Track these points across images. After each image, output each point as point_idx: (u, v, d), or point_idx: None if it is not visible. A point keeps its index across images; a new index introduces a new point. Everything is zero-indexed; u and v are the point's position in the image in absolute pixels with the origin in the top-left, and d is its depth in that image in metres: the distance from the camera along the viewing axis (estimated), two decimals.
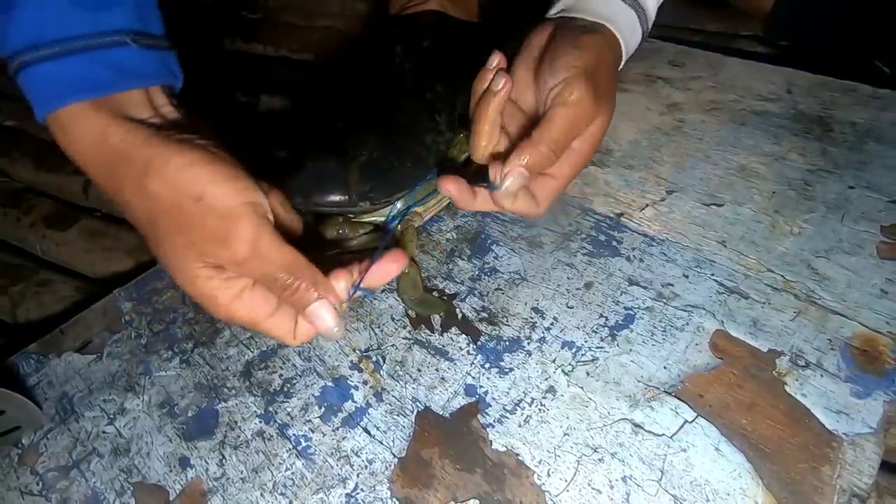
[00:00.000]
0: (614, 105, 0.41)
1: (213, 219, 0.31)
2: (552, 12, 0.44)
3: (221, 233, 0.31)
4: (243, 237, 0.31)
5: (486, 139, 0.40)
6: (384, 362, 0.42)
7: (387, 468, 0.37)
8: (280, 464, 0.38)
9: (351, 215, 0.46)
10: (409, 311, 0.45)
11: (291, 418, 0.40)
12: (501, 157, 0.38)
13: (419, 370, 0.42)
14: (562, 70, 0.38)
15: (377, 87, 0.50)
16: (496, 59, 0.40)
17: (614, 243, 0.47)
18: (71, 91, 0.31)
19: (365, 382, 0.42)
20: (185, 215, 0.31)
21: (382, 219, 0.47)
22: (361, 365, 0.43)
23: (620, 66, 0.43)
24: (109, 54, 0.32)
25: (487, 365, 0.41)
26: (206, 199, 0.31)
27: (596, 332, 0.42)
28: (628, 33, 0.42)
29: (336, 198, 0.42)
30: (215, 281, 0.32)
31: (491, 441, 0.37)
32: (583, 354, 0.41)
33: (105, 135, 0.31)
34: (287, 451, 0.39)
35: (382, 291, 0.47)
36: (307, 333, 0.35)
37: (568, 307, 0.44)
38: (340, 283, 0.34)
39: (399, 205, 0.46)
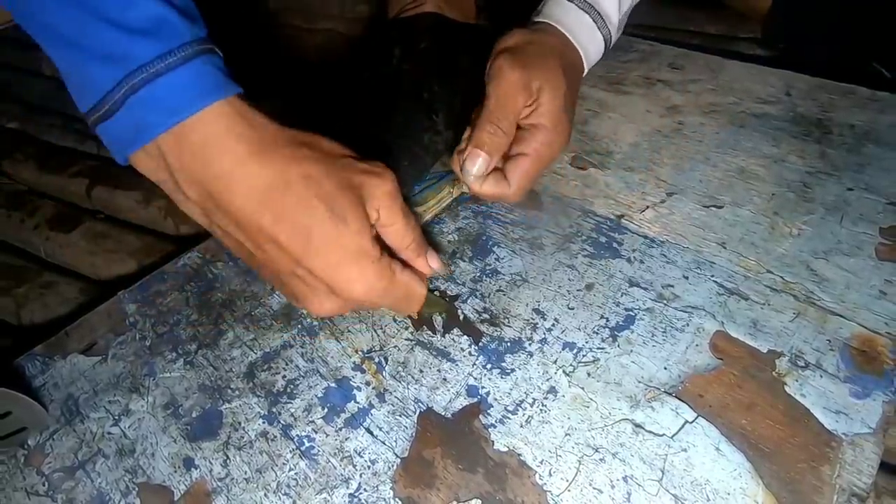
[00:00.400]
0: (561, 76, 0.43)
1: (362, 164, 0.36)
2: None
3: (373, 172, 0.36)
4: (388, 171, 0.37)
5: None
6: (386, 363, 0.43)
7: (389, 468, 0.37)
8: (283, 464, 0.39)
9: None
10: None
11: (295, 419, 0.41)
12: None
13: (421, 371, 0.42)
14: (491, 57, 0.44)
15: (375, 88, 0.51)
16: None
17: (615, 245, 0.48)
18: (210, 91, 0.32)
19: (367, 383, 0.42)
20: (344, 172, 0.35)
21: None
22: (364, 366, 0.43)
23: (580, 45, 0.47)
24: (213, 58, 0.33)
25: (489, 366, 0.41)
26: (349, 154, 0.37)
27: (597, 333, 0.42)
28: (571, 24, 0.46)
29: None
30: (372, 233, 0.36)
31: (493, 441, 0.37)
32: (584, 355, 0.41)
33: (267, 125, 0.34)
34: (290, 452, 0.39)
35: None
36: (425, 280, 0.41)
37: (569, 308, 0.44)
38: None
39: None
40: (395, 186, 0.37)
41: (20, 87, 0.90)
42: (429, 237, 0.51)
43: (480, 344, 0.43)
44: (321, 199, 0.33)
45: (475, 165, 0.43)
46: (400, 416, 0.40)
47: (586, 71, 0.49)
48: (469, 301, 0.46)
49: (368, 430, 0.39)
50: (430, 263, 0.41)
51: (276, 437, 0.40)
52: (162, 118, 0.31)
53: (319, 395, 0.42)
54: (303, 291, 0.36)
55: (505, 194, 0.44)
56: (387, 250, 0.38)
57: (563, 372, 0.40)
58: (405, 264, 0.40)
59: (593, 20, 0.46)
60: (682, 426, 0.36)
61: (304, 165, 0.33)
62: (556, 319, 0.43)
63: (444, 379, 0.41)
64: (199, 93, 0.31)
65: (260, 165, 0.32)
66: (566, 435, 0.37)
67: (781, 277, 0.43)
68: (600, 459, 0.36)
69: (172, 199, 0.36)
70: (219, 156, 0.32)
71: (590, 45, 0.47)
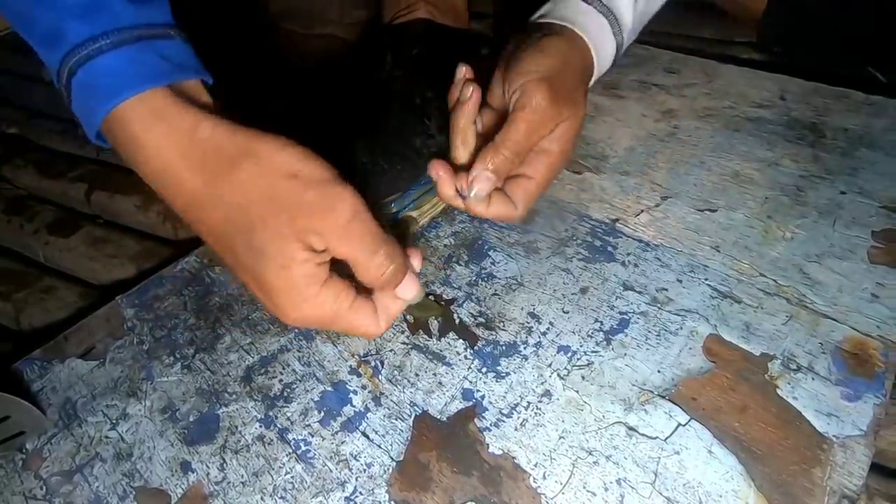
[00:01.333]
0: (583, 105, 0.42)
1: (312, 191, 0.31)
2: (532, 18, 0.45)
3: (323, 201, 0.31)
4: (348, 200, 0.31)
5: (461, 146, 0.42)
6: (383, 367, 0.43)
7: (385, 472, 0.38)
8: (280, 468, 0.39)
9: None
10: (408, 317, 0.46)
11: (291, 423, 0.41)
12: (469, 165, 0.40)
13: (417, 375, 0.42)
14: (522, 75, 0.40)
15: (369, 94, 0.52)
16: (462, 71, 0.41)
17: (610, 248, 0.48)
18: (142, 79, 0.30)
19: (364, 387, 0.42)
20: (281, 195, 0.30)
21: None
22: (360, 370, 0.43)
23: (597, 70, 0.44)
24: (161, 45, 0.31)
25: (484, 369, 0.42)
26: (303, 173, 0.31)
27: (591, 337, 0.42)
28: (597, 36, 0.43)
29: None
30: (309, 265, 0.31)
31: (488, 444, 0.38)
32: (578, 359, 0.41)
33: (196, 128, 0.31)
34: (287, 455, 0.39)
35: None
36: (393, 315, 0.36)
37: (564, 312, 0.44)
38: (414, 260, 0.37)
39: (395, 207, 0.48)
40: (350, 216, 0.31)
41: (20, 92, 0.91)
42: (425, 241, 0.51)
43: (476, 347, 0.43)
44: (241, 230, 0.31)
45: (485, 189, 0.40)
46: (396, 419, 0.40)
47: (597, 76, 0.46)
48: (465, 305, 0.46)
49: (364, 434, 0.40)
50: (402, 294, 0.36)
51: (272, 440, 0.40)
52: (98, 103, 0.30)
53: (316, 398, 0.42)
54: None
55: (512, 216, 0.42)
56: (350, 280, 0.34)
57: (558, 375, 0.41)
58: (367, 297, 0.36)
59: (610, 25, 0.43)
60: (676, 429, 0.37)
61: (233, 186, 0.31)
62: (550, 323, 0.44)
63: (440, 382, 0.41)
64: (130, 79, 0.30)
65: (190, 171, 0.31)
66: (560, 438, 0.37)
67: (774, 281, 0.44)
68: (594, 462, 0.36)
69: None
70: (151, 153, 0.30)
71: (605, 51, 0.44)
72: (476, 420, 0.39)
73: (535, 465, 0.36)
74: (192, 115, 0.31)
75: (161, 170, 0.31)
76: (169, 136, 0.30)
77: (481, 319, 0.45)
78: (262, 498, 0.38)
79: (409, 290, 0.36)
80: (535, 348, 0.42)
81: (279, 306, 0.33)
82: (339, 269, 0.34)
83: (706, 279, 0.44)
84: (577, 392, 0.39)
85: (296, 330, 0.46)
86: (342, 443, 0.39)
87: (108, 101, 0.30)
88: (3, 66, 0.98)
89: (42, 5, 0.30)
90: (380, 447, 0.39)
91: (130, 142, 0.31)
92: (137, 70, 0.30)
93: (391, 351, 0.44)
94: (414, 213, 0.49)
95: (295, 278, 0.31)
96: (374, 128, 0.48)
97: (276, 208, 0.31)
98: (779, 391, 0.37)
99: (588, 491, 0.35)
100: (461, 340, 0.44)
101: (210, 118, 0.31)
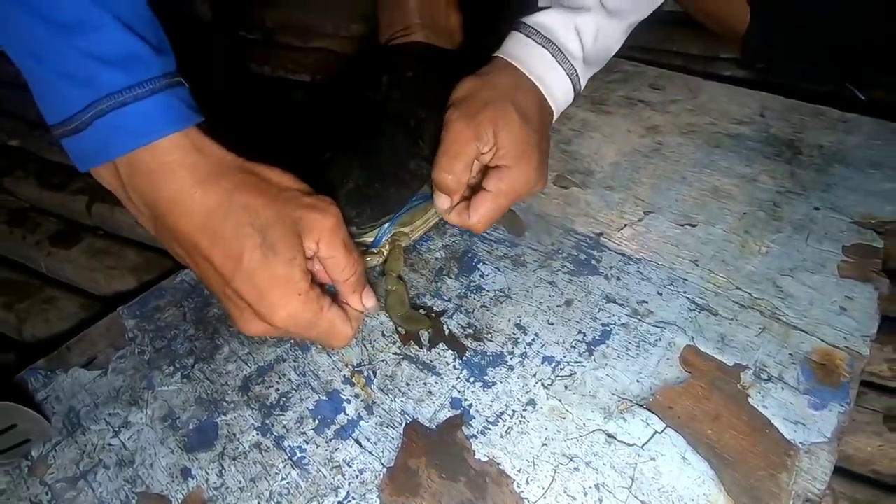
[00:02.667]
0: (514, 120, 0.45)
1: (308, 198, 0.38)
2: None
3: (317, 206, 0.38)
4: (333, 208, 0.38)
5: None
6: (375, 377, 0.45)
7: (376, 477, 0.39)
8: (276, 474, 0.41)
9: None
10: (399, 328, 0.48)
11: (287, 430, 0.43)
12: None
13: (408, 384, 0.44)
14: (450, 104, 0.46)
15: (364, 116, 0.53)
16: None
17: (594, 262, 0.50)
18: (166, 123, 0.34)
19: (357, 396, 0.44)
20: (286, 201, 0.37)
21: (371, 239, 0.49)
22: (353, 379, 0.45)
23: (546, 91, 0.47)
24: (179, 91, 0.35)
25: (472, 379, 0.44)
26: (298, 187, 0.38)
27: (574, 348, 0.44)
28: (534, 64, 0.47)
29: None
30: (306, 263, 0.37)
31: (474, 451, 0.40)
32: (562, 369, 0.43)
33: (204, 157, 0.35)
34: (283, 462, 0.41)
35: None
36: (358, 320, 0.42)
37: (549, 324, 0.46)
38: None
39: (386, 226, 0.49)
40: (337, 221, 0.38)
41: (21, 105, 0.92)
42: (417, 254, 0.53)
43: (464, 358, 0.45)
44: (255, 228, 0.35)
45: (440, 201, 0.47)
46: (387, 427, 0.42)
47: (557, 104, 0.49)
48: (454, 316, 0.48)
49: (357, 441, 0.41)
50: (364, 302, 0.42)
51: (269, 447, 0.42)
52: (124, 142, 0.34)
53: (311, 407, 0.44)
54: (232, 310, 0.38)
55: (468, 224, 0.47)
56: (322, 288, 0.40)
57: (542, 385, 0.42)
58: (339, 304, 0.41)
59: (552, 55, 0.47)
60: (652, 436, 0.39)
61: (246, 195, 0.36)
62: (536, 334, 0.46)
63: (430, 392, 0.43)
64: (161, 123, 0.34)
65: (204, 193, 0.35)
66: (543, 445, 0.39)
67: (749, 294, 0.46)
68: (574, 468, 0.38)
69: (125, 206, 0.39)
70: (167, 182, 0.35)
71: (550, 79, 0.47)
72: (463, 428, 0.41)
73: (519, 471, 0.38)
74: (215, 144, 0.36)
75: (174, 196, 0.35)
76: (201, 161, 0.35)
77: (470, 331, 0.47)
78: (258, 503, 0.39)
79: (370, 299, 0.43)
80: (520, 359, 0.44)
81: (272, 304, 0.36)
82: None
83: (685, 292, 0.47)
84: (560, 401, 0.41)
85: (292, 340, 0.48)
86: (336, 450, 0.41)
87: (133, 141, 0.34)
88: (4, 78, 1.00)
89: (72, 50, 0.32)
90: (371, 454, 0.41)
91: (150, 175, 0.34)
92: (167, 115, 0.34)
93: (383, 361, 0.46)
94: (406, 229, 0.51)
95: (297, 272, 0.37)
96: (368, 149, 0.50)
97: (284, 213, 0.36)
98: (750, 400, 0.39)
99: (568, 495, 0.37)
100: (450, 351, 0.46)
101: (211, 154, 0.36)
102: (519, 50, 0.47)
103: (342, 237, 0.39)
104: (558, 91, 0.48)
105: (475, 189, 0.47)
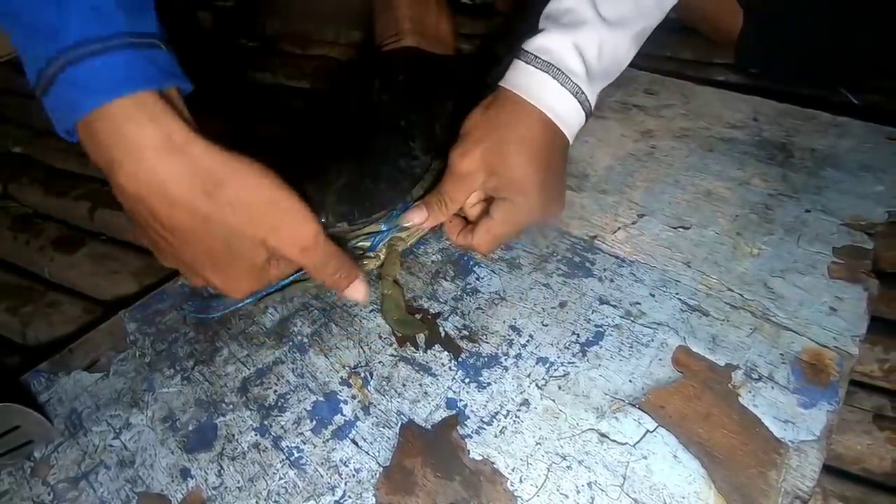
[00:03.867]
0: (514, 154, 0.45)
1: (285, 215, 0.38)
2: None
3: (293, 226, 0.38)
4: (310, 225, 0.39)
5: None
6: (372, 378, 0.46)
7: (372, 477, 0.40)
8: (274, 473, 0.41)
9: (340, 238, 0.50)
10: (396, 332, 0.48)
11: (285, 431, 0.43)
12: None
13: (404, 385, 0.45)
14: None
15: (356, 117, 0.55)
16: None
17: (588, 264, 0.51)
18: (133, 81, 0.33)
19: (353, 397, 0.45)
20: (260, 217, 0.37)
21: (369, 243, 0.50)
22: (350, 381, 0.46)
23: (553, 114, 0.46)
24: (149, 53, 0.34)
25: (467, 380, 0.44)
26: (279, 203, 0.38)
27: (568, 349, 0.45)
28: (534, 90, 0.45)
29: None
30: (265, 264, 0.40)
31: (469, 451, 0.40)
32: (555, 369, 0.44)
33: (188, 143, 0.34)
34: (280, 462, 0.42)
35: (371, 311, 0.50)
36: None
37: (543, 325, 0.47)
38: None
39: (384, 227, 0.50)
40: (311, 240, 0.39)
41: (25, 111, 0.93)
42: (413, 257, 0.54)
43: (460, 359, 0.46)
44: (220, 235, 0.36)
45: (415, 216, 0.49)
46: (383, 427, 0.43)
47: (569, 128, 0.48)
48: (450, 318, 0.49)
49: (354, 441, 0.42)
50: (349, 294, 0.44)
51: (267, 448, 0.43)
52: (84, 100, 0.32)
53: (308, 408, 0.45)
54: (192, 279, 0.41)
55: (471, 246, 0.49)
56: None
57: (536, 385, 0.43)
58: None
59: (554, 77, 0.45)
60: (644, 435, 0.39)
61: (218, 200, 0.35)
62: (530, 335, 0.46)
63: (426, 392, 0.44)
64: (121, 81, 0.32)
65: (179, 183, 0.34)
66: (537, 444, 0.40)
67: (741, 295, 0.46)
68: (567, 467, 0.38)
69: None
70: (135, 152, 0.33)
71: (558, 104, 0.46)
72: (458, 428, 0.42)
73: (513, 470, 0.39)
74: (180, 125, 0.34)
75: (149, 170, 0.34)
76: (156, 138, 0.33)
77: (465, 332, 0.47)
78: (257, 502, 0.40)
79: (358, 292, 0.44)
80: (515, 360, 0.45)
81: (234, 290, 0.40)
82: None
83: (677, 293, 0.47)
84: (554, 401, 0.42)
85: (290, 343, 0.49)
86: (333, 450, 0.42)
87: (95, 98, 0.32)
88: (8, 86, 1.01)
89: (50, 2, 0.32)
90: (368, 454, 0.41)
91: (117, 140, 0.33)
92: (128, 73, 0.33)
93: (380, 363, 0.46)
94: (402, 235, 0.52)
95: (255, 272, 0.40)
96: (360, 149, 0.52)
97: (254, 227, 0.37)
98: (740, 399, 0.40)
99: (561, 493, 0.37)
100: (446, 352, 0.46)
101: (201, 139, 0.35)
102: (521, 78, 0.46)
103: (316, 251, 0.40)
104: (567, 115, 0.46)
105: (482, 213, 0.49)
